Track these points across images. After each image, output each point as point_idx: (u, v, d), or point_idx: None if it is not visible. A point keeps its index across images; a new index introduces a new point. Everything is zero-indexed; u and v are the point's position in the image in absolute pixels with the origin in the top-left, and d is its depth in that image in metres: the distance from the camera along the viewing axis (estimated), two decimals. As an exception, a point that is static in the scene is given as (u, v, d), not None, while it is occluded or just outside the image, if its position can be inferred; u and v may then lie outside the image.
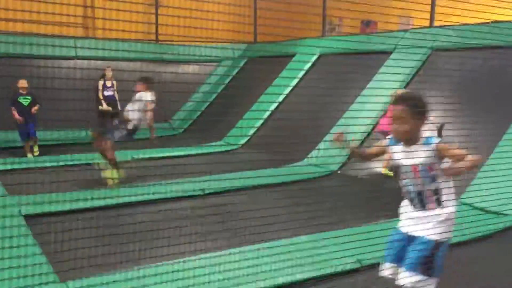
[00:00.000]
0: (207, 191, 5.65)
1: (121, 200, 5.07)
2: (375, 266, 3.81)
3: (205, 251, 3.43)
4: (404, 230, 2.73)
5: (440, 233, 2.62)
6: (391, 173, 6.71)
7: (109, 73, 9.88)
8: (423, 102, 2.59)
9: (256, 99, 9.35)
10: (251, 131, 9.17)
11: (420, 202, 2.65)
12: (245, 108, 9.46)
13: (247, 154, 8.08)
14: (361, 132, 7.36)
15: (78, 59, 9.61)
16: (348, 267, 3.75)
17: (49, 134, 8.25)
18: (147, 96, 6.47)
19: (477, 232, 4.55)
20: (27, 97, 8.15)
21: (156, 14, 10.55)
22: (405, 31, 8.20)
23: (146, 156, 7.43)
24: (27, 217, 4.41)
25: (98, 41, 9.64)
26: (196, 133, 10.14)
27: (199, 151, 8.28)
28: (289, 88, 9.30)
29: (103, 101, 9.96)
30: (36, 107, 8.15)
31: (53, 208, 4.04)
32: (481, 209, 5.24)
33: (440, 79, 6.71)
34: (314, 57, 9.55)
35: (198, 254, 3.39)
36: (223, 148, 8.68)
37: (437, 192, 2.62)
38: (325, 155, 7.29)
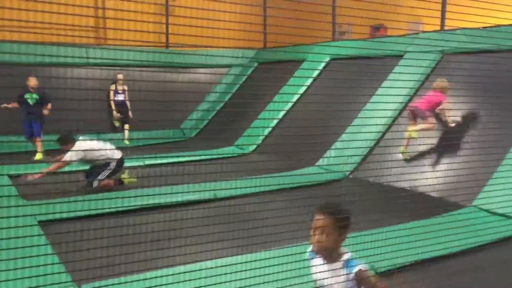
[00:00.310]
0: (218, 196, 5.67)
1: (134, 206, 5.11)
2: (388, 272, 3.80)
3: (217, 256, 3.44)
4: None
5: None
6: (406, 155, 6.74)
7: (120, 79, 9.98)
8: (347, 215, 2.39)
9: (266, 105, 9.38)
10: (262, 137, 9.19)
11: None
12: (255, 114, 9.49)
13: (257, 159, 8.09)
14: (371, 140, 7.33)
15: (90, 67, 9.73)
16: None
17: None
18: (72, 156, 6.02)
19: (492, 237, 4.52)
20: (34, 94, 8.00)
21: (167, 22, 10.65)
22: (416, 35, 8.18)
23: (158, 161, 7.49)
24: (42, 223, 4.46)
25: (109, 49, 9.77)
26: (206, 139, 10.19)
27: (210, 156, 8.31)
28: (299, 94, 9.31)
29: (113, 107, 10.10)
30: (47, 107, 8.01)
31: (69, 214, 4.08)
32: (495, 213, 5.20)
33: (451, 83, 6.69)
34: (324, 63, 9.56)
35: (211, 259, 3.41)
36: (233, 154, 8.71)
37: None
38: (336, 160, 7.28)
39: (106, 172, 6.37)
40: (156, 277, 2.95)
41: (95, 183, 6.30)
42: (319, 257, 2.43)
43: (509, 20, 5.82)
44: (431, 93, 6.76)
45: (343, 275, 2.30)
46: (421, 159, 6.76)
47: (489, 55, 6.39)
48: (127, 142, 10.04)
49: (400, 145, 6.90)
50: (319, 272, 2.41)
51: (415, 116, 6.79)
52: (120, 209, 5.02)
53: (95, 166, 6.39)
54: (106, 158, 6.34)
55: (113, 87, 10.11)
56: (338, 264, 2.34)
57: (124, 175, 6.55)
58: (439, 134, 6.89)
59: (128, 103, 10.10)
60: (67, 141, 6.25)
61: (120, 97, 10.16)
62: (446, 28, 7.94)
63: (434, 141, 6.82)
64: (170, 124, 10.08)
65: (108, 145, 6.51)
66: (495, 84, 6.43)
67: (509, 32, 6.17)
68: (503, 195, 4.60)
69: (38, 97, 8.02)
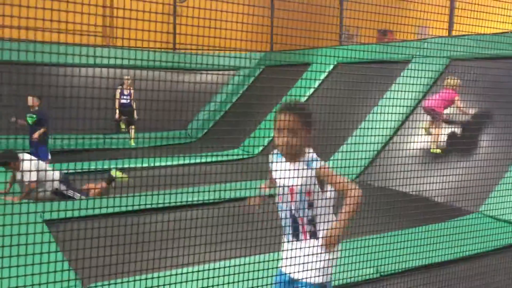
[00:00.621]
0: (223, 199, 5.67)
1: (139, 207, 5.11)
2: (394, 276, 3.79)
3: (223, 258, 3.43)
4: (284, 270, 2.42)
5: (323, 275, 2.28)
6: (439, 150, 6.81)
7: (127, 82, 10.04)
8: (311, 114, 2.35)
9: (272, 107, 9.37)
10: (268, 140, 9.18)
11: (294, 231, 2.35)
12: (262, 116, 9.49)
13: (263, 162, 8.08)
14: (378, 144, 7.32)
15: (97, 67, 9.74)
16: (367, 276, 3.73)
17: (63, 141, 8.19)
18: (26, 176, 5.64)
19: (499, 243, 4.50)
20: (33, 115, 7.38)
21: (174, 23, 10.68)
22: (423, 40, 8.17)
23: (163, 163, 7.50)
24: (49, 222, 4.47)
25: (116, 50, 9.80)
26: (212, 141, 10.20)
27: (215, 158, 8.31)
28: (306, 97, 9.31)
29: (117, 109, 10.16)
30: (39, 131, 7.28)
31: (75, 213, 4.09)
32: (502, 220, 5.17)
33: (458, 88, 6.68)
34: (331, 66, 9.55)
35: (216, 261, 3.40)
36: (239, 156, 8.71)
37: (312, 221, 2.31)
38: (343, 164, 7.25)
39: (68, 193, 6.04)
40: (162, 277, 2.95)
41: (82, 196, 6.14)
42: (282, 159, 2.38)
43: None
44: (443, 91, 6.82)
45: (305, 169, 2.26)
46: (428, 164, 6.75)
47: (497, 61, 6.37)
48: (133, 143, 10.09)
49: (405, 149, 6.89)
50: (281, 171, 2.35)
51: (431, 116, 6.89)
52: (126, 209, 5.02)
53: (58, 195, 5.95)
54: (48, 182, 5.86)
55: (119, 89, 10.18)
56: (300, 164, 2.30)
57: (117, 173, 6.47)
58: (447, 139, 6.88)
59: (134, 104, 10.15)
60: (12, 158, 5.70)
61: (126, 100, 10.21)
62: (453, 33, 7.92)
63: (443, 145, 6.83)
64: (176, 125, 10.11)
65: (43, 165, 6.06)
66: (503, 90, 6.40)
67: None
68: (510, 201, 4.58)
69: (36, 118, 7.36)
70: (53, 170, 6.19)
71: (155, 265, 2.94)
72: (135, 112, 10.08)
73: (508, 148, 5.45)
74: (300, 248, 2.31)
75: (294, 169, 2.29)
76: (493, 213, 5.22)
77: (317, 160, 2.29)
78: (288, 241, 2.41)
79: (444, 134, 6.87)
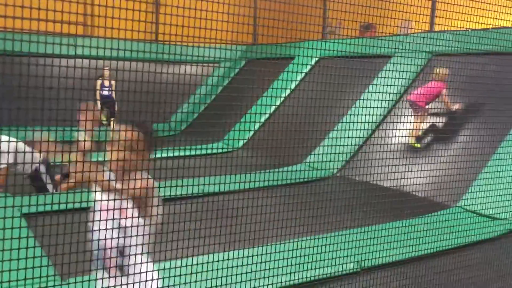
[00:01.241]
0: (205, 192, 5.64)
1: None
2: (374, 268, 3.83)
3: (203, 253, 3.42)
4: None
5: None
6: (418, 145, 6.87)
7: (106, 73, 9.91)
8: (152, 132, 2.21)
9: (255, 100, 9.36)
10: (250, 133, 9.17)
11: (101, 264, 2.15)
12: (244, 109, 9.47)
13: (245, 155, 8.08)
14: (359, 138, 7.37)
15: (77, 57, 9.58)
16: (347, 269, 3.76)
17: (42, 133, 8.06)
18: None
19: (477, 237, 4.57)
20: None
21: (157, 13, 10.56)
22: (405, 35, 8.22)
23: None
24: (27, 216, 4.40)
25: (97, 40, 9.63)
26: (194, 134, 10.14)
27: (197, 152, 8.27)
28: (289, 90, 9.31)
29: (98, 101, 10.06)
30: None
31: (54, 207, 4.03)
32: (479, 214, 5.26)
33: (446, 77, 6.76)
34: (314, 60, 9.56)
35: (196, 255, 3.39)
36: (222, 150, 8.68)
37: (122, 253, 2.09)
38: (324, 158, 7.29)
39: (46, 178, 5.75)
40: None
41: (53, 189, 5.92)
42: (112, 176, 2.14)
43: (500, 21, 5.87)
44: (431, 84, 6.87)
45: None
46: (409, 159, 6.82)
47: (476, 57, 6.45)
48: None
49: (386, 144, 6.94)
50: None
51: (415, 110, 6.95)
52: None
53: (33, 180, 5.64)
54: (28, 162, 5.38)
55: (99, 81, 10.04)
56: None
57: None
58: (428, 134, 6.96)
59: (114, 97, 10.04)
60: None
61: (106, 92, 10.10)
62: (435, 29, 8.00)
63: (423, 140, 6.91)
64: (157, 118, 10.01)
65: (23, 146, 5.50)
66: (482, 86, 6.49)
67: (499, 34, 6.22)
68: (487, 196, 4.66)
69: None
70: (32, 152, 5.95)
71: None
72: (116, 104, 10.00)
73: (486, 144, 5.53)
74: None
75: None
76: (472, 208, 5.30)
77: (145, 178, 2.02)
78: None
79: (424, 129, 6.94)
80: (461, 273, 4.15)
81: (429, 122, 7.01)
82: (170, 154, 7.78)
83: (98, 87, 10.09)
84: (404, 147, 6.99)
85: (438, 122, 6.93)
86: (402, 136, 7.12)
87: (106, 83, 10.11)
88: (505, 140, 5.92)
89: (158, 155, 7.44)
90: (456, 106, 6.85)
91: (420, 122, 6.90)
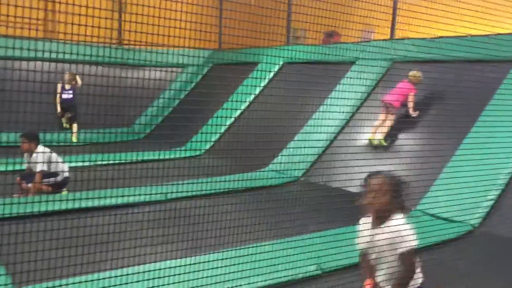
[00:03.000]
0: (169, 197, 5.59)
1: (80, 206, 4.96)
2: (335, 272, 3.88)
3: (166, 258, 3.40)
4: None
5: None
6: (384, 143, 6.95)
7: (66, 76, 9.73)
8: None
9: (220, 105, 9.35)
10: (215, 138, 9.16)
11: None
12: (209, 114, 9.45)
13: (210, 160, 8.05)
14: (322, 144, 7.46)
15: (37, 60, 9.34)
16: (309, 273, 3.80)
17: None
18: (39, 157, 5.85)
19: (435, 239, 4.69)
20: None
21: (120, 18, 10.42)
22: (367, 42, 8.41)
23: (108, 161, 7.32)
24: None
25: (58, 44, 9.42)
26: (158, 138, 10.04)
27: (162, 156, 8.19)
28: (253, 96, 9.36)
29: (58, 105, 9.83)
30: None
31: (11, 214, 3.93)
32: (438, 217, 5.41)
33: (418, 80, 6.94)
34: (278, 66, 9.65)
35: (159, 260, 3.36)
36: (186, 154, 8.63)
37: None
38: (289, 162, 7.36)
39: (50, 180, 6.12)
40: (101, 279, 2.88)
41: (29, 185, 6.00)
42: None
43: (454, 31, 6.09)
44: (402, 85, 6.99)
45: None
46: (370, 165, 6.93)
47: (434, 64, 6.65)
48: (75, 139, 9.79)
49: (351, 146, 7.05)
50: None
51: (387, 110, 7.04)
52: (65, 210, 4.86)
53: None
54: (58, 170, 6.13)
55: (59, 84, 9.80)
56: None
57: None
58: (394, 135, 7.10)
59: (76, 101, 9.82)
60: (34, 139, 5.92)
61: (67, 95, 9.88)
62: (396, 37, 8.21)
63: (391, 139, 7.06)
64: (120, 123, 9.81)
65: (60, 159, 6.26)
66: (440, 92, 6.70)
67: (453, 44, 6.45)
68: (445, 200, 4.80)
69: None
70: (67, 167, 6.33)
71: (95, 267, 2.87)
72: (77, 107, 9.78)
73: (443, 147, 5.71)
74: None
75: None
76: (430, 211, 5.45)
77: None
78: None
79: (393, 128, 7.03)
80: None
81: (395, 124, 7.12)
82: (134, 159, 7.72)
83: (58, 90, 9.89)
84: (366, 149, 7.12)
85: (400, 126, 7.09)
86: (364, 139, 7.25)
87: (67, 86, 9.89)
88: (462, 145, 6.12)
89: (122, 159, 7.34)
90: (416, 113, 7.01)
91: (391, 122, 7.00)
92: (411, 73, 7.00)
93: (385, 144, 7.05)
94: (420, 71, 7.00)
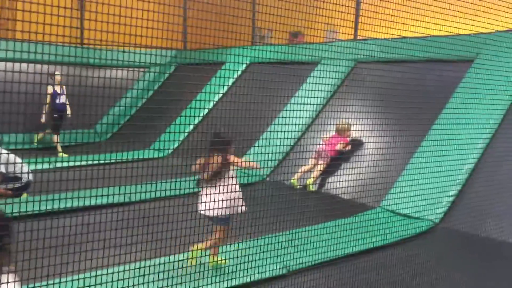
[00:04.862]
0: (133, 199, 5.50)
1: (39, 209, 4.82)
2: (301, 271, 3.90)
3: (130, 261, 3.34)
4: None
5: None
6: (310, 187, 6.86)
7: (58, 78, 8.63)
8: None
9: (186, 105, 9.26)
10: (181, 138, 9.08)
11: None
12: (175, 114, 9.35)
13: (174, 162, 7.97)
14: (290, 138, 7.51)
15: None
16: (275, 272, 3.81)
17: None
18: None
19: (397, 235, 4.78)
20: None
21: (82, 17, 10.21)
22: (331, 43, 8.50)
23: (69, 163, 7.14)
24: None
25: (16, 43, 9.12)
26: (122, 139, 9.88)
27: (126, 157, 8.06)
28: (219, 95, 9.32)
29: (48, 113, 8.69)
30: None
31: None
32: (400, 214, 5.52)
33: (363, 90, 7.02)
34: (244, 66, 9.64)
35: (123, 264, 3.30)
36: (151, 155, 8.51)
37: None
38: (255, 161, 7.35)
39: (9, 186, 5.86)
40: (63, 282, 2.81)
41: None
42: None
43: (415, 32, 6.23)
44: (335, 136, 6.97)
45: None
46: (333, 166, 7.01)
47: (397, 64, 6.78)
48: (61, 152, 8.86)
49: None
50: None
51: (319, 156, 6.97)
52: (26, 213, 4.71)
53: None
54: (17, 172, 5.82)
55: (50, 89, 8.59)
56: None
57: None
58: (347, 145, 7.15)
59: (67, 102, 8.78)
60: None
61: (61, 100, 8.71)
62: (359, 37, 8.33)
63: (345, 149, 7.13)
64: (82, 125, 9.54)
65: (19, 160, 5.93)
66: (402, 92, 6.82)
67: (416, 44, 6.60)
68: (407, 197, 4.90)
69: None
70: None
71: (57, 270, 2.80)
72: (68, 109, 8.83)
73: (405, 148, 5.83)
74: None
75: None
76: (393, 208, 5.56)
77: None
78: None
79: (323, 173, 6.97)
80: (384, 271, 4.33)
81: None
82: (96, 161, 7.55)
83: (50, 90, 8.62)
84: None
85: (362, 126, 7.19)
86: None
87: (59, 89, 8.73)
88: (423, 142, 6.25)
89: (83, 163, 7.13)
90: (348, 147, 6.96)
91: (322, 167, 6.90)
92: (341, 125, 6.98)
93: (312, 189, 6.89)
94: (345, 119, 7.01)
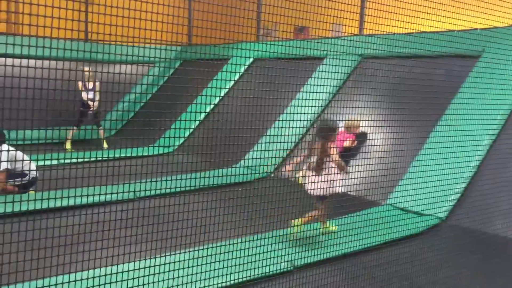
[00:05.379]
0: (140, 195, 5.52)
1: (48, 205, 4.84)
2: (307, 267, 3.90)
3: (138, 256, 3.35)
4: None
5: None
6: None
7: (87, 73, 8.59)
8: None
9: (191, 101, 9.26)
10: (186, 133, 9.08)
11: None
12: (180, 110, 9.34)
13: (181, 156, 7.99)
14: (295, 135, 7.48)
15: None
16: (280, 269, 3.81)
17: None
18: (2, 156, 5.62)
19: (404, 233, 4.78)
20: None
21: (86, 12, 10.19)
22: (337, 38, 8.45)
23: (76, 159, 7.17)
24: None
25: (22, 38, 9.10)
26: (129, 135, 9.89)
27: (132, 153, 8.07)
28: (225, 91, 9.31)
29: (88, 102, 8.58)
30: None
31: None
32: (407, 210, 5.50)
33: (369, 85, 6.97)
34: (249, 61, 9.62)
35: (131, 260, 3.31)
36: (157, 151, 8.53)
37: None
38: (258, 160, 7.36)
39: (16, 181, 5.93)
40: (72, 281, 2.83)
41: None
42: None
43: (424, 26, 6.19)
44: (343, 132, 6.77)
45: None
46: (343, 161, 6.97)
47: (405, 60, 6.74)
48: (106, 144, 8.97)
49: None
50: None
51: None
52: (36, 207, 4.73)
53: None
54: (25, 169, 5.93)
55: (80, 83, 8.49)
56: None
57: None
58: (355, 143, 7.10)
59: (97, 97, 8.66)
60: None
61: (92, 95, 8.66)
62: (364, 32, 8.28)
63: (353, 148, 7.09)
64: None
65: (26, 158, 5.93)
66: (409, 87, 6.78)
67: (424, 38, 6.56)
68: (414, 194, 4.88)
69: None
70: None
71: (64, 269, 2.82)
72: (96, 103, 8.75)
73: (411, 145, 5.80)
74: None
75: None
76: (400, 205, 5.54)
77: None
78: None
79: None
80: (391, 267, 4.33)
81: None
82: (104, 156, 7.59)
83: (83, 93, 8.62)
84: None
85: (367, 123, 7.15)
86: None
87: (90, 84, 8.65)
88: (429, 138, 6.23)
89: (91, 158, 7.19)
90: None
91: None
92: (350, 121, 6.79)
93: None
94: (353, 115, 6.88)
